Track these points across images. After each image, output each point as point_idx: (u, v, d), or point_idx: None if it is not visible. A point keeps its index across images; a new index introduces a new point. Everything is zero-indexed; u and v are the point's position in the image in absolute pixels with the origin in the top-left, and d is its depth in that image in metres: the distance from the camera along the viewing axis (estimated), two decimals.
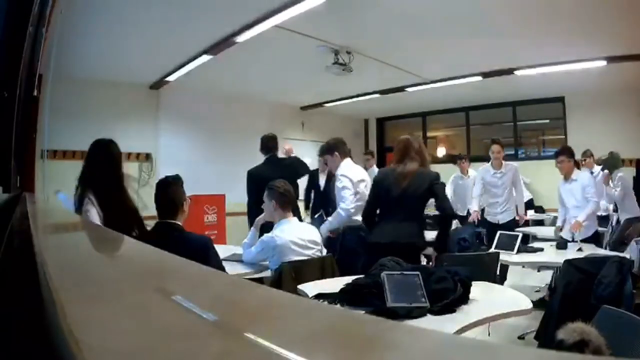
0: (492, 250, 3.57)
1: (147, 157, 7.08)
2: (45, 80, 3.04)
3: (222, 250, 3.35)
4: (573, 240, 3.97)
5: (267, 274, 3.00)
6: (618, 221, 5.29)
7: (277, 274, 2.62)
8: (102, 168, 2.65)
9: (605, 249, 4.48)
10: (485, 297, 2.00)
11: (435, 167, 5.70)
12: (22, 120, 2.41)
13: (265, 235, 2.89)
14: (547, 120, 8.73)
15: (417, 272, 1.87)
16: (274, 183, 3.03)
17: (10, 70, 2.15)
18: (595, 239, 4.38)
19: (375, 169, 6.02)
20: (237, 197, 5.61)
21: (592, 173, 5.18)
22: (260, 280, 3.17)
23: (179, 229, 2.51)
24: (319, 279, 2.54)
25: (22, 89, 2.29)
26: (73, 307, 0.44)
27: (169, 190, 2.52)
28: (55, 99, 3.90)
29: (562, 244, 3.85)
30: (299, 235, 2.85)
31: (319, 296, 1.97)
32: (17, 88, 2.21)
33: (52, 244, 0.98)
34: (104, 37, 4.71)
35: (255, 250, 2.89)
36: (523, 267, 4.67)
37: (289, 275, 2.58)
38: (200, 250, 2.42)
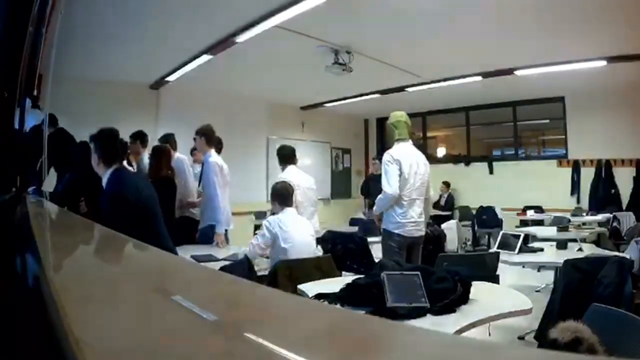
0: (493, 250, 3.56)
1: None
2: (45, 80, 3.03)
3: (223, 250, 3.36)
4: None
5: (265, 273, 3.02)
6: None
7: (272, 273, 2.63)
8: None
9: None
10: (485, 297, 2.00)
11: (435, 167, 5.71)
12: (22, 119, 2.40)
13: (269, 217, 3.09)
14: (547, 120, 8.72)
15: (417, 272, 1.86)
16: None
17: (10, 70, 2.15)
18: None
19: None
20: (238, 197, 5.60)
21: None
22: (260, 279, 3.17)
23: None
24: (316, 278, 2.54)
25: (22, 89, 2.28)
26: (73, 307, 0.44)
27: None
28: (55, 99, 3.89)
29: (562, 244, 3.84)
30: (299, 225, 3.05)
31: (319, 296, 1.97)
32: (17, 88, 2.21)
33: (52, 244, 0.98)
34: (104, 36, 4.71)
35: (260, 234, 3.00)
36: (523, 267, 4.66)
37: (284, 274, 2.59)
38: None
